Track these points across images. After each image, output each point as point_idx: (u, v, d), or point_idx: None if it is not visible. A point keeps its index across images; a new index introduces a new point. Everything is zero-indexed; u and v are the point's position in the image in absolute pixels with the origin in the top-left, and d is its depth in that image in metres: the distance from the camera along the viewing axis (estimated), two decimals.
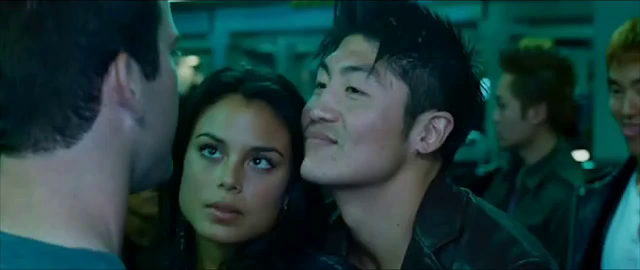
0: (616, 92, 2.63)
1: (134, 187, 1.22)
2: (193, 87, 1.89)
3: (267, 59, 18.65)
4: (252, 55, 18.76)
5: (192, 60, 21.51)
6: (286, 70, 17.51)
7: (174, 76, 1.24)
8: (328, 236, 1.90)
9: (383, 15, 1.79)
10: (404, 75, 1.76)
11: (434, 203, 1.80)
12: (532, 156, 3.64)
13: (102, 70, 1.14)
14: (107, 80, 1.15)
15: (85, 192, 1.15)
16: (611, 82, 2.64)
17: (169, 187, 1.87)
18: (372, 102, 1.75)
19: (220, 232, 1.78)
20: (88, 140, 1.15)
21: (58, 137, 1.14)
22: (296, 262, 1.83)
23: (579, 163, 3.94)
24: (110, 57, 1.14)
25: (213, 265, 1.87)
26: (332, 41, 1.84)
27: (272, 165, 1.81)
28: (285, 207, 1.86)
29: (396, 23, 1.79)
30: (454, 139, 1.81)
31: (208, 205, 1.78)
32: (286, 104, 1.84)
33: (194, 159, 1.82)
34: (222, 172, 1.78)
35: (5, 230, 1.11)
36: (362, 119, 1.74)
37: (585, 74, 10.71)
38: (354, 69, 1.76)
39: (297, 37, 18.09)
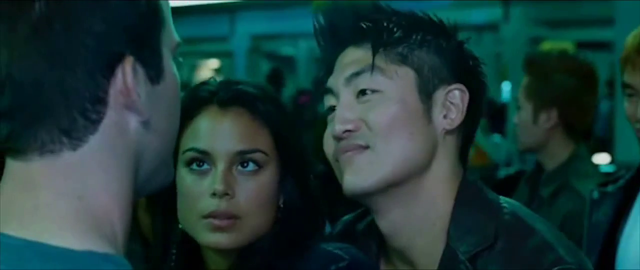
0: (630, 96, 2.62)
1: (137, 190, 1.23)
2: None
3: (288, 61, 18.65)
4: (273, 58, 18.78)
5: (214, 63, 21.56)
6: (307, 73, 17.52)
7: (176, 80, 1.26)
8: (357, 244, 1.92)
9: (365, 18, 1.83)
10: (405, 60, 1.79)
11: (467, 206, 1.81)
12: (550, 162, 3.61)
13: (109, 72, 1.15)
14: (114, 82, 1.16)
15: (91, 193, 1.16)
16: (625, 85, 2.63)
17: (161, 205, 1.92)
18: (385, 96, 1.78)
19: (221, 239, 1.82)
20: (94, 142, 1.16)
21: (64, 139, 1.15)
22: (297, 256, 1.87)
23: (597, 171, 3.87)
24: (116, 60, 1.16)
25: None
26: (326, 69, 1.87)
27: (259, 166, 1.86)
28: (282, 205, 1.90)
29: (378, 21, 1.82)
30: (473, 110, 1.83)
31: (205, 216, 1.82)
32: (262, 103, 1.89)
33: (183, 175, 1.86)
34: (212, 181, 1.83)
35: (12, 233, 1.12)
36: (383, 114, 1.76)
37: (606, 76, 10.66)
38: (357, 74, 1.79)
39: None
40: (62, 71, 1.14)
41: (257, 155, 1.85)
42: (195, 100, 1.89)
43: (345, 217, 2.06)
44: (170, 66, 1.24)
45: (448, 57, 1.82)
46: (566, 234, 1.83)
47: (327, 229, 2.05)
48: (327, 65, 1.87)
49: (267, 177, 1.86)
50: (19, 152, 1.16)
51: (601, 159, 8.54)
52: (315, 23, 1.89)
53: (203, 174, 1.84)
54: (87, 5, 1.14)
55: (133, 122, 1.19)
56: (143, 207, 3.75)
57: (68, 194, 1.15)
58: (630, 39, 2.62)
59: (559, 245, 1.76)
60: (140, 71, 1.18)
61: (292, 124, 1.96)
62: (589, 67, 3.70)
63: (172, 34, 1.25)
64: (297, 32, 17.12)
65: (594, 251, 2.71)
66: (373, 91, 1.78)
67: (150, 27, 1.19)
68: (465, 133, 1.86)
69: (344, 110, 1.79)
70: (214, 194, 1.81)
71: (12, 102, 1.15)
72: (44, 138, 1.15)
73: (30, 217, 1.14)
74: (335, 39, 1.86)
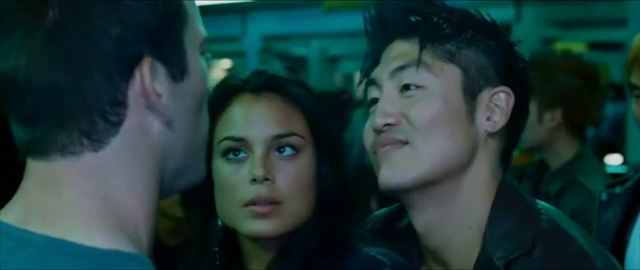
0: (638, 97, 2.61)
1: (166, 189, 1.24)
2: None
3: (300, 62, 18.65)
4: (285, 58, 18.76)
5: (225, 63, 21.54)
6: (319, 73, 17.51)
7: (203, 76, 1.25)
8: (398, 244, 1.91)
9: (415, 12, 1.81)
10: (452, 58, 1.78)
11: (505, 211, 1.78)
12: (555, 161, 3.64)
13: (127, 74, 1.16)
14: (133, 84, 1.16)
15: (114, 194, 1.16)
16: (633, 87, 2.62)
17: (198, 201, 1.91)
18: (429, 92, 1.76)
19: (264, 226, 1.81)
20: (116, 144, 1.17)
21: (85, 141, 1.16)
22: (339, 256, 1.85)
23: (603, 170, 3.90)
24: (134, 62, 1.16)
25: (260, 267, 1.89)
26: (372, 59, 1.86)
27: (296, 149, 1.85)
28: (320, 191, 1.88)
29: (428, 15, 1.81)
30: (518, 113, 1.81)
31: (246, 204, 1.81)
32: (294, 88, 1.89)
33: (220, 166, 1.85)
34: (251, 167, 1.81)
35: (35, 230, 1.13)
36: (425, 110, 1.75)
37: (618, 77, 10.64)
38: (402, 68, 1.78)
39: (329, 40, 18.07)
40: (79, 75, 1.14)
41: (294, 139, 1.85)
42: (227, 90, 1.89)
43: (379, 212, 2.04)
44: (195, 62, 1.23)
45: (497, 58, 1.80)
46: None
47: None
48: (374, 57, 1.85)
49: (305, 161, 1.86)
50: (40, 153, 1.17)
51: (613, 160, 8.52)
52: (366, 13, 1.87)
53: (240, 162, 1.83)
54: (102, 8, 1.14)
55: (155, 122, 1.19)
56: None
57: (91, 194, 1.16)
58: (637, 40, 2.61)
59: (596, 256, 1.74)
60: (162, 70, 1.18)
61: (324, 109, 1.94)
62: (593, 67, 3.73)
63: (198, 30, 1.25)
64: (309, 32, 17.15)
65: None
66: (417, 87, 1.77)
67: (171, 26, 1.19)
68: (508, 136, 1.83)
69: (386, 103, 1.78)
70: (253, 180, 1.80)
71: (33, 108, 1.16)
72: (65, 140, 1.16)
73: (53, 215, 1.14)
74: (383, 30, 1.85)
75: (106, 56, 1.14)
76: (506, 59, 1.82)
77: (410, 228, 1.86)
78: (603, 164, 4.21)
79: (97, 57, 1.14)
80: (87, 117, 1.15)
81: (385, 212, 2.01)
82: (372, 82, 1.83)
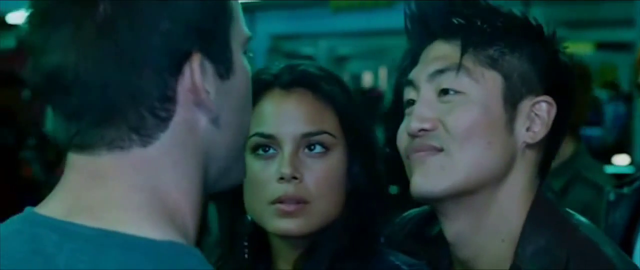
0: None
1: (209, 187, 1.26)
2: None
3: (309, 60, 18.61)
4: (293, 58, 18.74)
5: None
6: None
7: (247, 74, 1.27)
8: (428, 250, 1.89)
9: (457, 13, 1.77)
10: (494, 64, 1.73)
11: (539, 225, 1.73)
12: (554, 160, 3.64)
13: (177, 70, 1.17)
14: (182, 80, 1.18)
15: (162, 188, 1.19)
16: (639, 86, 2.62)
17: (227, 196, 1.91)
18: (468, 98, 1.72)
19: (290, 225, 1.80)
20: (165, 139, 1.19)
21: (134, 137, 1.18)
22: (365, 260, 1.84)
23: (601, 166, 3.94)
24: (184, 58, 1.17)
25: (287, 264, 1.89)
26: (411, 59, 1.82)
27: (327, 148, 1.83)
28: (350, 190, 1.87)
29: (471, 17, 1.76)
30: (559, 125, 1.76)
31: (272, 202, 1.80)
32: (326, 84, 1.86)
33: (249, 162, 1.82)
34: (279, 165, 1.80)
35: (81, 222, 1.14)
36: (463, 117, 1.71)
37: (627, 77, 10.61)
38: (442, 71, 1.73)
39: (337, 39, 18.04)
40: (129, 71, 1.16)
41: (324, 137, 1.82)
42: (258, 85, 1.83)
43: (410, 213, 2.00)
44: (240, 61, 1.25)
45: (541, 65, 1.75)
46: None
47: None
48: (413, 56, 1.81)
49: (335, 159, 1.83)
50: (86, 147, 1.18)
51: (620, 160, 8.50)
52: (407, 10, 1.83)
53: (269, 158, 1.82)
54: (152, 4, 1.16)
55: (203, 119, 1.21)
56: None
57: (141, 187, 1.18)
58: None
59: None
60: (209, 67, 1.20)
61: (357, 106, 1.90)
62: (583, 67, 3.74)
63: (242, 28, 1.26)
64: (317, 32, 17.13)
65: None
66: (456, 92, 1.72)
67: (219, 23, 1.21)
68: (547, 148, 1.78)
69: (423, 107, 1.73)
70: (281, 179, 1.78)
71: (80, 103, 1.17)
72: (113, 135, 1.18)
73: (101, 208, 1.16)
74: (423, 30, 1.80)
75: (156, 52, 1.16)
76: (550, 67, 1.76)
77: (441, 235, 1.82)
78: (600, 163, 4.25)
79: (147, 53, 1.15)
80: (136, 112, 1.17)
81: (417, 215, 1.98)
82: (409, 83, 1.78)
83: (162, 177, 1.18)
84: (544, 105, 1.74)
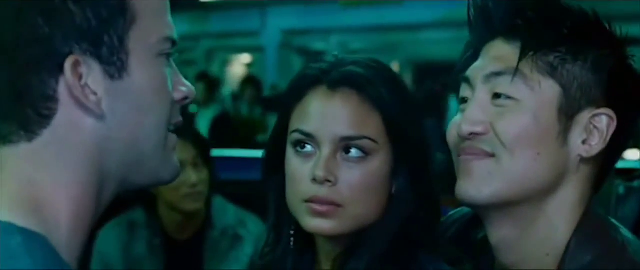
0: None
1: (121, 183, 1.33)
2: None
3: (319, 56, 18.62)
4: (304, 52, 18.77)
5: (245, 58, 21.58)
6: None
7: (154, 75, 1.30)
8: (472, 253, 1.83)
9: (520, 14, 1.68)
10: (553, 72, 1.63)
11: (587, 242, 1.65)
12: None
13: (57, 72, 1.23)
14: (63, 80, 1.23)
15: (39, 180, 1.24)
16: None
17: (275, 187, 1.87)
18: (521, 106, 1.63)
19: (322, 224, 1.76)
20: (47, 135, 1.25)
21: (22, 133, 1.25)
22: (404, 267, 1.79)
23: None
24: (64, 60, 1.23)
25: (328, 261, 1.85)
26: (472, 53, 1.75)
27: (366, 153, 1.76)
28: (393, 193, 1.80)
29: (536, 19, 1.67)
30: (618, 139, 1.66)
31: (306, 200, 1.76)
32: (374, 87, 1.78)
33: (290, 157, 1.80)
34: (314, 166, 1.76)
35: None
36: (513, 125, 1.63)
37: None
38: (498, 74, 1.65)
39: (349, 34, 18.07)
40: (12, 72, 1.23)
41: (364, 142, 1.76)
42: (305, 80, 1.82)
43: (456, 214, 1.94)
44: (143, 61, 1.28)
45: (605, 75, 1.64)
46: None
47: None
48: (474, 50, 1.75)
49: (375, 165, 1.77)
50: None
51: (631, 154, 8.44)
52: (471, 2, 1.75)
53: (308, 156, 1.78)
54: (32, 9, 1.22)
55: (88, 117, 1.26)
56: (164, 202, 3.75)
57: (19, 178, 1.24)
58: None
59: None
60: (97, 68, 1.24)
61: (408, 109, 1.83)
62: None
63: (153, 30, 1.30)
64: (328, 26, 17.16)
65: None
66: (509, 97, 1.64)
67: (109, 26, 1.25)
68: (604, 162, 1.69)
69: (476, 109, 1.67)
70: (314, 180, 1.75)
71: None
72: (6, 131, 1.25)
73: None
74: (486, 25, 1.73)
75: (35, 55, 1.22)
76: (616, 78, 1.65)
77: (485, 239, 1.75)
78: None
79: (28, 55, 1.23)
80: (21, 110, 1.24)
81: (462, 217, 1.92)
82: (465, 80, 1.72)
83: (41, 170, 1.25)
84: (604, 119, 1.64)
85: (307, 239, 1.87)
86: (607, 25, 1.68)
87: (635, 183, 2.72)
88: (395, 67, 20.17)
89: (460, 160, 1.69)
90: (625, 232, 1.69)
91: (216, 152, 4.07)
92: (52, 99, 1.24)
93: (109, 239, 3.74)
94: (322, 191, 1.75)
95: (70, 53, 1.23)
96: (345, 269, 1.80)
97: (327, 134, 1.76)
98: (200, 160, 3.69)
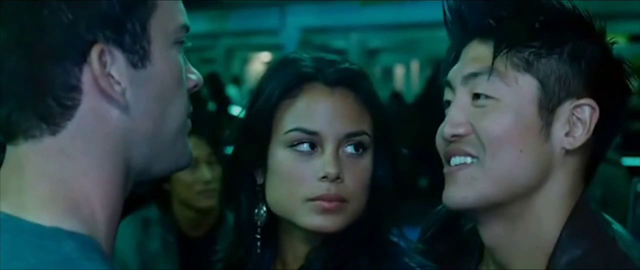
0: None
1: (141, 174, 1.28)
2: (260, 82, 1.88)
3: (339, 54, 18.64)
4: (324, 51, 18.73)
5: (264, 56, 21.62)
6: None
7: (174, 63, 1.27)
8: (459, 239, 1.84)
9: (492, 13, 1.67)
10: (529, 67, 1.62)
11: (577, 234, 1.64)
12: None
13: (80, 60, 1.18)
14: (87, 70, 1.18)
15: (70, 176, 1.20)
16: None
17: (248, 188, 1.86)
18: (500, 104, 1.62)
19: (327, 222, 1.76)
20: (72, 128, 1.20)
21: (44, 126, 1.20)
22: (378, 259, 1.81)
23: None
24: (87, 48, 1.18)
25: (294, 258, 1.85)
26: (453, 57, 1.74)
27: (364, 148, 1.80)
28: (374, 189, 1.83)
29: (507, 15, 1.66)
30: (603, 131, 1.65)
31: (311, 199, 1.76)
32: (364, 84, 1.83)
33: (284, 156, 1.79)
34: (324, 164, 1.77)
35: (1, 209, 1.19)
36: (493, 124, 1.62)
37: None
38: (475, 75, 1.65)
39: (369, 32, 18.08)
40: (32, 61, 1.18)
41: (363, 138, 1.80)
42: (295, 78, 1.81)
43: (442, 208, 1.94)
44: (163, 50, 1.25)
45: (584, 66, 1.63)
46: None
47: None
48: (455, 54, 1.74)
49: (368, 159, 1.81)
50: (10, 137, 1.22)
51: None
52: (445, 6, 1.75)
53: (308, 155, 1.78)
54: None
55: (113, 108, 1.21)
56: (178, 199, 3.76)
57: (48, 176, 1.19)
58: None
59: None
60: (120, 57, 1.20)
61: (384, 105, 1.90)
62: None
63: (171, 17, 1.27)
64: (348, 24, 17.17)
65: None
66: (487, 97, 1.63)
67: (131, 13, 1.21)
68: (591, 153, 1.67)
69: (457, 111, 1.66)
70: (324, 177, 1.76)
71: None
72: (26, 124, 1.20)
73: (15, 195, 1.20)
74: (461, 28, 1.72)
75: (58, 42, 1.17)
76: (596, 68, 1.64)
77: (472, 234, 1.76)
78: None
79: (50, 43, 1.17)
80: (43, 101, 1.18)
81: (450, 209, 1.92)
82: (447, 84, 1.72)
83: (70, 165, 1.20)
84: (586, 109, 1.62)
85: (269, 240, 1.87)
86: (585, 15, 1.67)
87: None
88: (415, 64, 20.15)
89: (446, 170, 1.68)
90: (617, 226, 1.68)
91: (230, 150, 4.06)
92: (75, 88, 1.19)
93: (123, 236, 3.73)
94: (332, 188, 1.76)
95: (94, 41, 1.18)
96: (318, 259, 1.81)
97: (333, 131, 1.78)
98: (215, 158, 3.69)
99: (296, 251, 1.84)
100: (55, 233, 1.15)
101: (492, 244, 1.70)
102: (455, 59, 1.73)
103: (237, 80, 17.24)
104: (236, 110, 10.77)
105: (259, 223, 1.85)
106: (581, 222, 1.65)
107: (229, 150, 3.97)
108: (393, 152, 1.87)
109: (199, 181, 3.65)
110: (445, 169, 1.68)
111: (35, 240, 1.14)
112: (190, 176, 3.64)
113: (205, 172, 3.65)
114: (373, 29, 17.34)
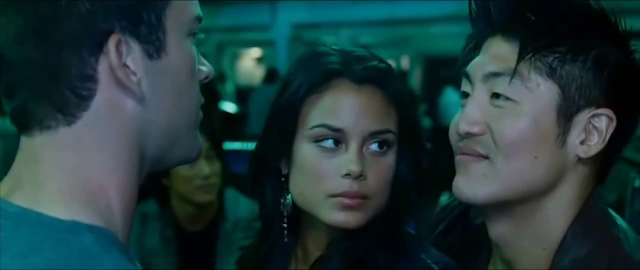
0: None
1: (154, 165, 1.28)
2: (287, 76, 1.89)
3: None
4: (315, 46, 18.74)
5: (255, 52, 21.58)
6: None
7: (187, 55, 1.27)
8: (469, 236, 1.86)
9: (520, 11, 1.64)
10: (552, 73, 1.60)
11: (582, 235, 1.64)
12: None
13: (96, 50, 1.18)
14: (103, 60, 1.18)
15: (86, 168, 1.20)
16: None
17: (273, 180, 1.88)
18: (519, 108, 1.61)
19: (349, 218, 1.78)
20: (87, 118, 1.19)
21: (59, 116, 1.20)
22: (395, 255, 1.82)
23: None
24: (104, 38, 1.18)
25: (316, 248, 1.87)
26: (473, 46, 1.73)
27: (388, 146, 1.81)
28: (394, 181, 1.84)
29: (535, 17, 1.63)
30: (617, 140, 1.63)
31: (334, 195, 1.78)
32: (392, 82, 1.83)
33: (309, 151, 1.80)
34: (347, 161, 1.78)
35: (14, 202, 1.19)
36: (511, 128, 1.61)
37: None
38: (496, 74, 1.63)
39: (359, 28, 18.06)
40: (49, 50, 1.17)
41: (388, 136, 1.80)
42: (322, 74, 1.81)
43: (455, 199, 1.95)
44: (178, 41, 1.25)
45: (607, 74, 1.60)
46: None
47: None
48: (475, 43, 1.73)
49: (392, 157, 1.82)
50: (25, 127, 1.22)
51: None
52: None
53: (332, 151, 1.79)
54: None
55: (129, 98, 1.21)
56: (177, 194, 3.76)
57: (64, 168, 1.20)
58: None
59: None
60: (136, 47, 1.20)
61: (414, 103, 1.89)
62: None
63: (185, 9, 1.26)
64: (339, 20, 17.14)
65: None
66: (507, 98, 1.62)
67: (147, 4, 1.21)
68: (603, 160, 1.67)
69: (474, 109, 1.65)
70: (347, 174, 1.77)
71: (10, 81, 1.20)
72: (41, 115, 1.19)
73: (30, 188, 1.19)
74: (486, 20, 1.70)
75: (75, 31, 1.17)
76: (618, 77, 1.62)
77: (483, 229, 1.76)
78: None
79: (67, 33, 1.17)
80: (58, 91, 1.18)
81: (462, 203, 1.89)
82: (466, 75, 1.70)
83: (86, 156, 1.20)
84: (603, 119, 1.60)
85: (292, 228, 1.89)
86: (612, 19, 1.64)
87: None
88: (405, 61, 20.14)
89: (456, 160, 1.68)
90: (625, 227, 1.67)
91: (228, 145, 4.07)
92: (91, 78, 1.18)
93: None
94: (355, 186, 1.77)
95: (111, 31, 1.18)
96: (338, 251, 1.83)
97: (358, 129, 1.79)
98: (213, 153, 3.69)
99: (318, 240, 1.86)
100: (74, 227, 1.15)
101: (499, 240, 1.70)
102: (475, 48, 1.72)
103: (222, 77, 17.20)
104: (228, 107, 10.73)
105: (285, 213, 1.87)
106: (587, 222, 1.65)
107: (226, 145, 3.99)
108: (416, 149, 1.87)
109: (198, 176, 3.65)
110: (457, 158, 1.68)
111: (54, 234, 1.14)
112: (189, 171, 3.65)
113: (204, 167, 3.65)
114: (364, 25, 17.31)
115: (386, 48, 19.12)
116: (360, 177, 1.77)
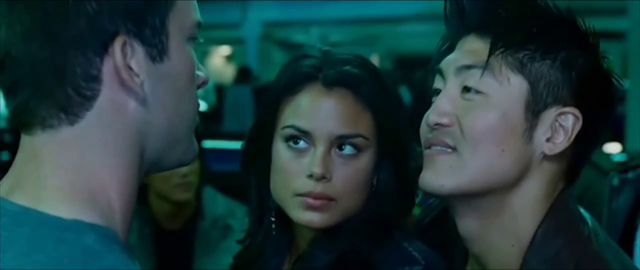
0: None
1: (151, 167, 1.29)
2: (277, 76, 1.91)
3: (300, 48, 18.64)
4: (285, 45, 18.75)
5: (225, 49, 21.56)
6: None
7: (188, 60, 1.28)
8: (451, 236, 1.85)
9: (492, 11, 1.68)
10: (522, 68, 1.62)
11: (552, 233, 1.65)
12: None
13: (102, 51, 1.18)
14: (108, 61, 1.19)
15: (88, 167, 1.21)
16: None
17: (257, 176, 1.91)
18: (489, 101, 1.63)
19: (314, 218, 1.80)
20: (90, 118, 1.20)
21: (62, 115, 1.19)
22: (380, 244, 1.84)
23: (608, 152, 3.97)
24: (109, 39, 1.18)
25: (304, 242, 1.90)
26: (447, 46, 1.75)
27: (358, 149, 1.82)
28: (374, 185, 1.86)
29: (508, 15, 1.66)
30: (584, 140, 1.66)
31: (299, 194, 1.80)
32: (366, 86, 1.84)
33: (281, 150, 1.84)
34: (311, 163, 1.80)
35: (15, 201, 1.19)
36: (479, 120, 1.63)
37: (618, 66, 10.65)
38: (468, 67, 1.65)
39: (329, 27, 18.08)
40: (54, 49, 1.18)
41: (358, 140, 1.81)
42: (298, 76, 1.84)
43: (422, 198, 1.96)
44: (180, 45, 1.26)
45: (575, 75, 1.63)
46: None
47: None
48: (450, 44, 1.74)
49: (365, 161, 1.83)
50: (26, 126, 1.22)
51: (612, 148, 8.50)
52: None
53: (301, 152, 1.82)
54: None
55: (130, 100, 1.22)
56: (154, 192, 3.76)
57: (66, 167, 1.20)
58: None
59: None
60: (140, 50, 1.21)
61: (395, 107, 1.90)
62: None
63: (187, 13, 1.27)
64: (309, 18, 17.15)
65: (613, 238, 2.68)
66: (477, 92, 1.64)
67: (152, 6, 1.22)
68: (569, 160, 1.68)
69: (445, 101, 1.66)
70: (310, 176, 1.79)
71: (12, 79, 1.20)
72: (44, 113, 1.20)
73: (32, 186, 1.20)
74: (459, 20, 1.73)
75: (81, 32, 1.17)
76: (586, 77, 1.65)
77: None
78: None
79: (73, 32, 1.17)
80: (62, 90, 1.18)
81: (442, 202, 1.91)
82: (438, 72, 1.72)
83: (88, 156, 1.21)
84: (570, 117, 1.63)
85: (285, 224, 1.91)
86: (580, 23, 1.66)
87: (630, 174, 2.72)
88: (375, 59, 20.17)
89: (425, 153, 1.69)
90: (595, 225, 1.70)
91: (207, 144, 4.08)
92: (95, 79, 1.19)
93: None
94: (318, 187, 1.79)
95: (117, 32, 1.18)
96: (320, 248, 1.85)
97: (323, 132, 1.81)
98: None
99: (305, 236, 1.89)
100: (76, 225, 1.15)
101: (467, 235, 1.71)
102: (449, 49, 1.73)
103: None
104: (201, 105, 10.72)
105: (273, 206, 1.90)
106: (557, 221, 1.67)
107: (204, 144, 3.99)
108: (398, 155, 1.88)
109: (176, 174, 3.64)
110: (425, 152, 1.69)
111: (56, 232, 1.14)
112: None
113: None
114: (334, 24, 17.35)
115: (356, 46, 19.15)
116: (323, 179, 1.79)
